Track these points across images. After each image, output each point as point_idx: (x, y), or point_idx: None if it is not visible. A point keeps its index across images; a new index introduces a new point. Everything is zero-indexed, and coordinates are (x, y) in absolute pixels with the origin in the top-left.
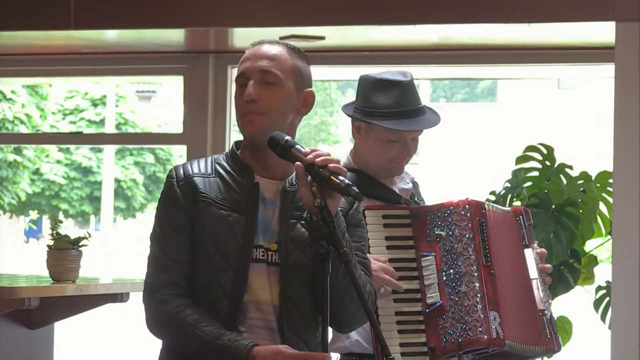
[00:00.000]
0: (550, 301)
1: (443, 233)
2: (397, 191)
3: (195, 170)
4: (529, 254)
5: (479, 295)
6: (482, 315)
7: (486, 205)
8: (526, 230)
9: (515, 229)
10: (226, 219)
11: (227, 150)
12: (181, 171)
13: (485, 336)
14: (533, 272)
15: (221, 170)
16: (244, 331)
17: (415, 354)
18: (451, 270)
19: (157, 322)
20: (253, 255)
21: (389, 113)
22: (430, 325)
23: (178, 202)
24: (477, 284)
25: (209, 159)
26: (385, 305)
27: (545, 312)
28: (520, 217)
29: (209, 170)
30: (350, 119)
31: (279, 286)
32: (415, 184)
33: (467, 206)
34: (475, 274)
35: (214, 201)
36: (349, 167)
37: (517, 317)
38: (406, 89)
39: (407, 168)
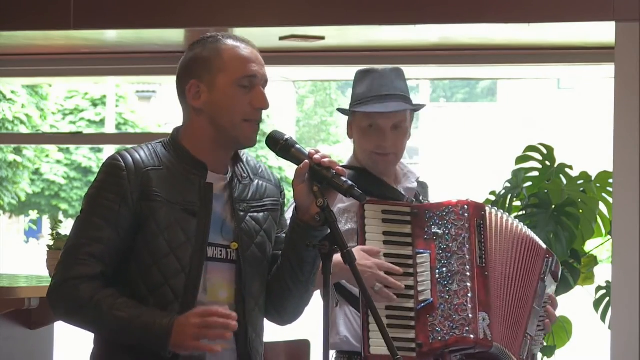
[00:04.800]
0: (539, 343)
1: (440, 231)
2: (401, 191)
3: (145, 160)
4: (541, 288)
5: (469, 295)
6: (470, 315)
7: (488, 209)
8: (550, 271)
9: (540, 259)
10: (180, 221)
11: None
12: (130, 160)
13: (472, 336)
14: (537, 303)
15: (169, 164)
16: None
17: (403, 349)
18: (444, 269)
19: (72, 308)
20: (212, 254)
21: (363, 100)
22: (420, 321)
23: (125, 198)
24: (469, 284)
25: (148, 147)
26: (376, 299)
27: (533, 340)
28: (551, 259)
29: (156, 162)
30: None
31: (236, 284)
32: (423, 185)
33: (465, 206)
34: (468, 273)
35: (167, 201)
36: (353, 166)
37: (507, 324)
38: (380, 75)
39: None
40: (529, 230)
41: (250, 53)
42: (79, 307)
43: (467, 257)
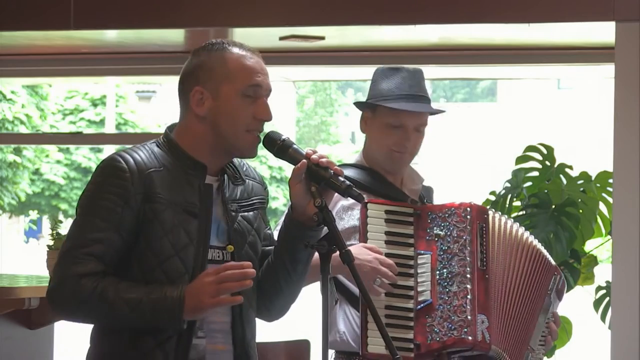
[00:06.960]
0: (538, 358)
1: (442, 233)
2: (405, 192)
3: (147, 161)
4: (547, 303)
5: (468, 296)
6: (469, 317)
7: (491, 213)
8: (557, 289)
9: (548, 275)
10: (182, 222)
11: None
12: (132, 162)
13: (470, 337)
14: (542, 317)
15: (168, 165)
16: (202, 337)
17: (401, 349)
18: (445, 270)
19: (75, 304)
20: (211, 256)
21: (392, 96)
22: (419, 322)
23: (128, 200)
24: (469, 286)
25: (145, 148)
26: (376, 299)
27: (534, 352)
28: (559, 276)
29: (156, 163)
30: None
31: None
32: (428, 189)
33: (468, 209)
34: (468, 275)
35: (170, 202)
36: (359, 165)
37: (508, 330)
38: (410, 75)
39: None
40: (540, 244)
41: (255, 63)
42: (83, 302)
43: (469, 259)
